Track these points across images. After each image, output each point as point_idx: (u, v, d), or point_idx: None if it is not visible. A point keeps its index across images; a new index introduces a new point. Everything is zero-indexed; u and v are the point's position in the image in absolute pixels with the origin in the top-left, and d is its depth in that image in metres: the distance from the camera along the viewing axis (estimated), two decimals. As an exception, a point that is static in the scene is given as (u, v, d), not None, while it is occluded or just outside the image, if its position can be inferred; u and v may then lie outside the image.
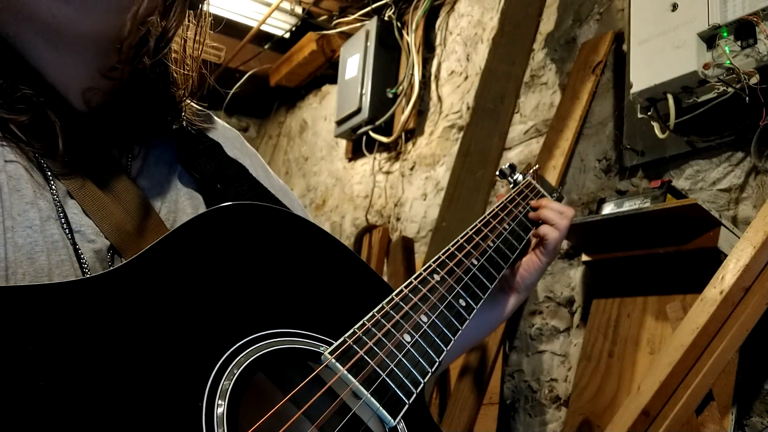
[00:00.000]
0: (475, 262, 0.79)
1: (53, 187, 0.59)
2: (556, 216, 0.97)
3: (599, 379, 1.45)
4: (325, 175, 3.33)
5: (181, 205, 0.69)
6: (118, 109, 0.65)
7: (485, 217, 0.90)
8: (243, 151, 0.82)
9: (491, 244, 0.85)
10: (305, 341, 0.57)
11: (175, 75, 0.70)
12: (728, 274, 1.13)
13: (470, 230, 0.85)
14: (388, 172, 2.77)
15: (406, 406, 0.57)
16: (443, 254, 0.77)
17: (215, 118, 0.82)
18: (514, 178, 1.10)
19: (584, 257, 1.57)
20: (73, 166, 0.61)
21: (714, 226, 1.25)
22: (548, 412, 1.65)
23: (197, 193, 0.72)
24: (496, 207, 0.94)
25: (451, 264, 0.76)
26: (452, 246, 0.80)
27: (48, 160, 0.60)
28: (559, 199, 1.11)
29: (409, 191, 2.58)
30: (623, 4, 1.74)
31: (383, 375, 0.57)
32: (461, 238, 0.82)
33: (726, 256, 1.18)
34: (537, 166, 1.14)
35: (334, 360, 0.55)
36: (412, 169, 2.61)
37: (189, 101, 0.75)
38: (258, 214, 0.62)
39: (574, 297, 1.68)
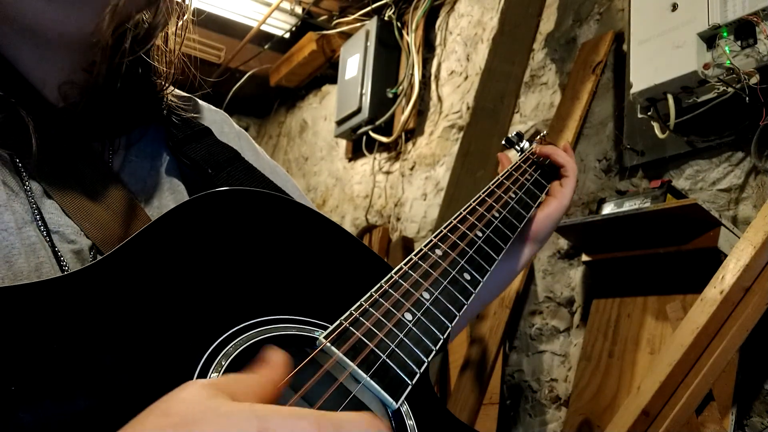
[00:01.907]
0: (480, 234, 0.75)
1: (28, 187, 0.57)
2: (566, 155, 0.97)
3: (599, 379, 1.45)
4: (325, 175, 3.33)
5: (164, 200, 0.67)
6: (96, 101, 0.63)
7: (489, 187, 0.86)
8: (232, 133, 0.80)
9: (497, 214, 0.80)
10: (300, 327, 0.54)
11: (156, 63, 0.68)
12: (728, 274, 1.13)
13: (473, 201, 0.81)
14: (388, 172, 2.77)
15: (409, 387, 0.54)
16: (445, 228, 0.73)
17: (200, 102, 0.80)
18: (521, 146, 1.07)
19: (584, 257, 1.57)
20: (50, 165, 0.59)
21: (714, 226, 1.25)
22: (548, 412, 1.65)
23: (181, 187, 0.70)
24: (501, 176, 0.91)
25: (453, 237, 0.72)
26: (455, 219, 0.76)
27: (23, 159, 0.57)
28: None
29: (409, 191, 2.58)
30: (623, 4, 1.74)
31: (383, 356, 0.54)
32: (464, 210, 0.78)
33: (726, 256, 1.18)
34: (545, 132, 1.11)
35: (329, 344, 0.52)
36: (412, 169, 2.61)
37: (171, 89, 0.73)
38: (244, 199, 0.60)
39: (574, 297, 1.68)
